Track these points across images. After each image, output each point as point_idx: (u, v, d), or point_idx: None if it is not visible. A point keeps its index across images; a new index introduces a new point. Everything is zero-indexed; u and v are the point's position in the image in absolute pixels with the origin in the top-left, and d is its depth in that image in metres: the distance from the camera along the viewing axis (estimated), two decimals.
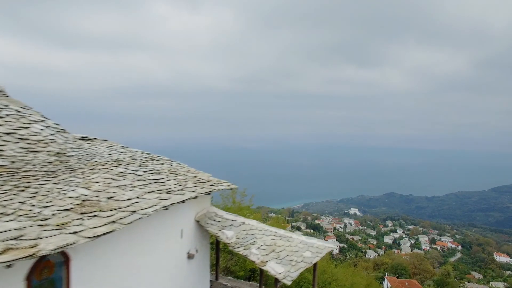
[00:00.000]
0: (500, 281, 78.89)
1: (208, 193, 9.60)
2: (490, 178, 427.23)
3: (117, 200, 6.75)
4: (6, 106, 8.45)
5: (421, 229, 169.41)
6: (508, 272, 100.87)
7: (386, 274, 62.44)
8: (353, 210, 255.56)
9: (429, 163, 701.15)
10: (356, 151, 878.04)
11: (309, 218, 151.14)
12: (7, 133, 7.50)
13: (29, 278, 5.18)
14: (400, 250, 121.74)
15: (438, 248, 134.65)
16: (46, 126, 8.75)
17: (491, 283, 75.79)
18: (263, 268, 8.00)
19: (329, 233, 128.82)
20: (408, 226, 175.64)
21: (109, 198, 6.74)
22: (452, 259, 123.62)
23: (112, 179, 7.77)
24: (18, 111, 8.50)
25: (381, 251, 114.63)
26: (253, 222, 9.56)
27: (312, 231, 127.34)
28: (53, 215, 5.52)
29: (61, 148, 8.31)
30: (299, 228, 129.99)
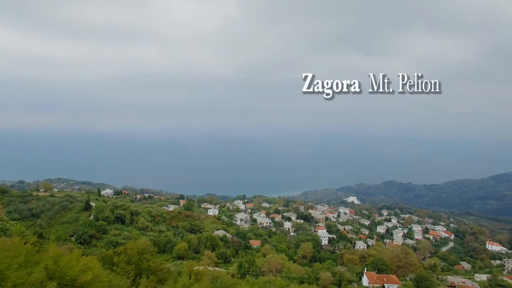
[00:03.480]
0: (486, 273, 77.98)
1: None
2: (489, 166, 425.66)
3: None
4: None
5: (415, 218, 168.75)
6: (497, 262, 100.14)
7: (365, 269, 61.46)
8: (351, 199, 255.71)
9: (429, 151, 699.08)
10: (356, 140, 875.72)
11: (301, 208, 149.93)
12: None
13: None
14: (392, 240, 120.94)
15: (431, 237, 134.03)
16: None
17: (476, 275, 74.85)
18: None
19: (320, 224, 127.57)
20: (404, 215, 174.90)
21: None
22: (444, 249, 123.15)
23: None
24: None
25: (372, 242, 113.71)
26: None
27: (302, 221, 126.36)
28: None
29: None
30: (289, 219, 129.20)
